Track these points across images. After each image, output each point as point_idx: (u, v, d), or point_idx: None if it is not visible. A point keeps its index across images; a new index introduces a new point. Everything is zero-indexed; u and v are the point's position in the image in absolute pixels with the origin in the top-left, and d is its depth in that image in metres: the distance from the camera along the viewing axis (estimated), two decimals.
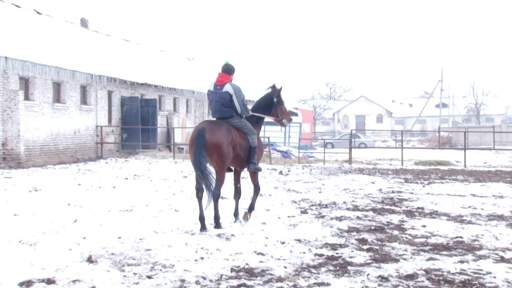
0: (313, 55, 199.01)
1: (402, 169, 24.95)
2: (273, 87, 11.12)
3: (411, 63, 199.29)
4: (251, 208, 10.74)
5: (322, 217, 11.20)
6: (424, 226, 10.23)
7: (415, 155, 36.97)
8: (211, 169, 9.83)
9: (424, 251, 8.23)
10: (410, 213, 11.83)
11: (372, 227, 10.09)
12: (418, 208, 12.63)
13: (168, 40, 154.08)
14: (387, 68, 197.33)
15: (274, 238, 8.90)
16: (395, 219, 11.05)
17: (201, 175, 9.55)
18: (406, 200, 14.11)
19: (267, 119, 11.28)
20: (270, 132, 37.76)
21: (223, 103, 10.41)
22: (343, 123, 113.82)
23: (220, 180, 9.90)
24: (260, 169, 10.64)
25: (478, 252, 8.15)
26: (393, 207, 12.74)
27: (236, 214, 10.74)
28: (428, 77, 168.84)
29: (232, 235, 9.12)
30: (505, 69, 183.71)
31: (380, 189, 16.40)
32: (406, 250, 8.25)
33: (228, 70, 10.63)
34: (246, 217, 10.58)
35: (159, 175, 20.06)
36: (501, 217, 11.42)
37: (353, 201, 13.76)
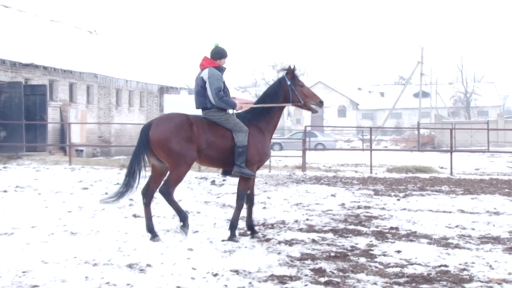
0: (256, 30, 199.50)
1: (371, 178, 25.25)
2: (288, 69, 12.10)
3: (382, 41, 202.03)
4: (232, 226, 11.49)
5: (267, 240, 11.25)
6: (398, 251, 10.37)
7: (388, 160, 37.47)
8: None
9: (399, 284, 8.35)
10: (381, 235, 11.98)
11: (332, 254, 10.17)
12: (392, 228, 12.82)
13: (62, 7, 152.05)
14: (352, 47, 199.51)
15: (204, 269, 8.89)
16: (361, 242, 11.18)
17: (126, 176, 11.05)
18: (376, 217, 14.29)
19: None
20: None
21: (197, 91, 11.56)
22: (294, 117, 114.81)
23: (171, 179, 10.94)
24: (249, 174, 11.39)
25: (467, 285, 8.32)
26: (359, 227, 12.88)
27: (250, 226, 11.80)
28: (404, 58, 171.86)
29: (148, 265, 9.08)
30: (502, 48, 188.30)
31: (343, 204, 16.56)
32: (375, 283, 8.35)
33: (213, 54, 11.64)
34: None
35: (50, 186, 19.78)
36: (496, 240, 11.68)
37: (307, 219, 13.85)
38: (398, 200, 17.59)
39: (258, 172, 26.91)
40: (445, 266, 9.38)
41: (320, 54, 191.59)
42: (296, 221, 13.55)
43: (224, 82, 11.55)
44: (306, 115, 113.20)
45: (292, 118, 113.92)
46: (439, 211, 15.43)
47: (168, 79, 55.35)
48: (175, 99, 49.08)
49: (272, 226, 12.89)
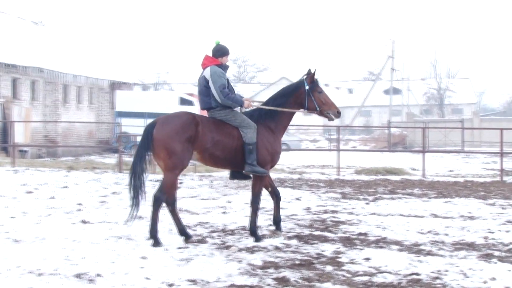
0: (215, 22, 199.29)
1: (339, 180, 25.34)
2: (308, 73, 12.38)
3: (351, 33, 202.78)
4: (252, 231, 12.15)
5: (227, 248, 11.26)
6: (367, 259, 10.43)
7: (357, 161, 37.61)
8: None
9: None
10: (349, 241, 12.04)
11: (297, 262, 10.21)
12: (360, 234, 12.88)
13: None
14: (317, 40, 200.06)
15: (158, 279, 8.87)
16: (328, 249, 11.23)
17: (131, 179, 11.43)
18: (343, 223, 14.35)
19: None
20: None
21: (200, 91, 12.07)
22: None
23: (166, 184, 11.42)
24: (262, 172, 11.82)
25: None
26: (325, 233, 12.93)
27: (276, 223, 12.64)
28: (374, 53, 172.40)
29: (98, 275, 9.03)
30: (477, 42, 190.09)
31: (308, 208, 16.60)
32: None
33: (215, 52, 12.24)
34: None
35: None
36: (471, 246, 11.79)
37: (270, 224, 13.85)
38: (367, 204, 17.68)
39: (218, 175, 26.97)
40: (417, 274, 9.45)
41: (284, 48, 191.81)
42: (258, 226, 13.55)
43: (228, 80, 12.00)
44: None
45: None
46: (410, 215, 15.53)
47: (120, 74, 55.11)
48: (128, 96, 48.89)
49: (232, 232, 12.90)
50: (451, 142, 52.83)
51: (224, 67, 12.12)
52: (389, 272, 9.55)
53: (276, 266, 9.88)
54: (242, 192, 19.99)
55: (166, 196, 11.45)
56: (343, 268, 9.84)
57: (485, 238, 12.56)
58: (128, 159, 33.29)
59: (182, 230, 11.74)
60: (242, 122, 11.70)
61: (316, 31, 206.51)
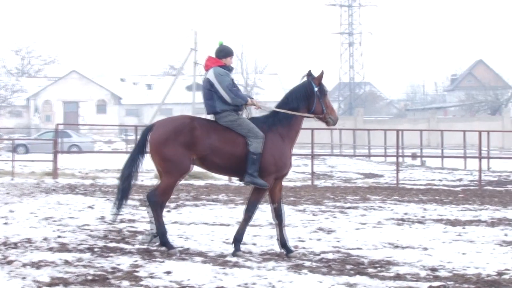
0: None
1: (137, 186, 25.21)
2: (310, 74, 12.55)
3: (149, 23, 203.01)
4: (235, 239, 12.27)
5: (9, 263, 11.01)
6: (168, 272, 10.47)
7: None
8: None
9: None
10: (148, 254, 12.08)
11: (89, 277, 10.11)
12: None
13: None
14: (111, 30, 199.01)
15: None
16: (125, 263, 11.19)
17: (121, 177, 12.78)
18: (142, 233, 14.33)
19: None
20: None
21: (204, 94, 12.38)
22: (43, 113, 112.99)
23: (161, 187, 12.29)
24: (262, 185, 12.09)
25: None
26: (122, 245, 12.91)
27: (283, 244, 12.30)
28: (175, 45, 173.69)
29: None
30: (284, 36, 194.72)
31: (102, 218, 16.51)
32: None
33: (218, 53, 12.50)
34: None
35: None
36: (280, 256, 12.10)
37: (59, 236, 13.69)
38: (169, 211, 17.73)
39: None
40: None
41: (73, 38, 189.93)
42: (45, 239, 13.35)
43: (232, 80, 12.19)
44: (59, 111, 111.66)
45: (40, 115, 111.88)
46: (215, 224, 15.74)
47: None
48: None
49: (15, 246, 12.62)
50: None
51: (228, 69, 12.31)
52: (192, 287, 9.64)
53: (65, 282, 9.75)
54: (27, 200, 19.64)
55: (161, 198, 12.22)
56: (142, 283, 9.84)
57: (295, 247, 12.87)
58: None
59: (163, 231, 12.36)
60: (250, 132, 11.91)
61: (110, 20, 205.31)
